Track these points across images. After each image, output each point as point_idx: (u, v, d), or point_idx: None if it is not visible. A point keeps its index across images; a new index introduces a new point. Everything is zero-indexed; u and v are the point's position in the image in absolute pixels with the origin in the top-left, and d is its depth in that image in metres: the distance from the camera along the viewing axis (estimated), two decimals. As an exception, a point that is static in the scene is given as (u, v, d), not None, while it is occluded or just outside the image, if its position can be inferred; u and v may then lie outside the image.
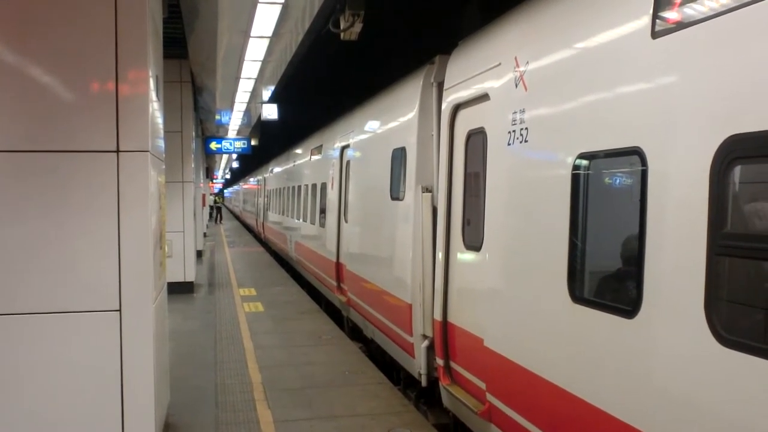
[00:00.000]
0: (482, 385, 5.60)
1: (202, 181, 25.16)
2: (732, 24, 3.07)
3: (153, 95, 5.18)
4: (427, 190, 7.08)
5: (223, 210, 58.25)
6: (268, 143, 25.51)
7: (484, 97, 5.74)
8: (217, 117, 19.56)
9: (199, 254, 20.14)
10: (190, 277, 14.27)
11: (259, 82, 13.03)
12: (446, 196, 6.55)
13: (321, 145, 14.18)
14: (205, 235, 28.18)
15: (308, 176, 15.72)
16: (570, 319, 4.22)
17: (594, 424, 3.95)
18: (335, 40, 8.00)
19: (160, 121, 5.77)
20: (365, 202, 9.86)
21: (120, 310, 4.86)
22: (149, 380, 4.97)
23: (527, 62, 4.99)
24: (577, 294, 4.19)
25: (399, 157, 7.97)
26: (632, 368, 3.66)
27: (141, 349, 4.94)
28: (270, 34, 8.76)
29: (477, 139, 5.97)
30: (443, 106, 6.72)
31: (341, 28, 7.42)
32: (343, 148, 11.56)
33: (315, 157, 14.84)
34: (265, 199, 26.58)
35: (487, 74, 5.64)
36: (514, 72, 5.16)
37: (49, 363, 4.79)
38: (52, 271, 4.76)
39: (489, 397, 5.42)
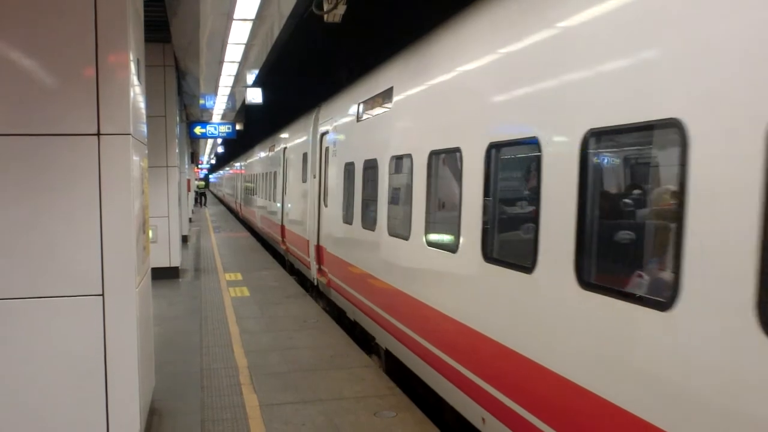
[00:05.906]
0: (327, 270, 11.34)
1: (186, 165, 25.02)
2: (370, 121, 8.56)
3: (134, 78, 5.12)
4: (315, 176, 12.64)
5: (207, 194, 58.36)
6: (254, 127, 25.59)
7: (327, 132, 11.71)
8: (202, 101, 19.43)
9: (185, 239, 20.04)
10: (176, 262, 14.20)
11: (243, 65, 12.96)
12: (320, 180, 12.28)
13: (274, 145, 20.37)
14: (190, 220, 28.08)
15: (267, 166, 21.86)
16: (344, 229, 10.04)
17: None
18: (319, 24, 7.96)
19: (142, 104, 5.71)
20: (293, 184, 15.91)
21: (103, 295, 4.83)
22: (133, 365, 4.95)
23: (335, 122, 11.13)
24: (344, 220, 9.99)
25: (305, 157, 14.01)
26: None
27: (124, 333, 4.92)
28: (253, 16, 8.70)
29: (327, 151, 11.78)
30: (318, 132, 12.65)
31: (324, 10, 7.37)
32: (284, 149, 17.67)
33: (271, 153, 21.19)
34: (242, 183, 35.14)
35: (328, 121, 11.80)
36: (333, 123, 11.23)
37: (30, 348, 4.75)
38: (33, 255, 4.71)
39: (329, 275, 11.18)
